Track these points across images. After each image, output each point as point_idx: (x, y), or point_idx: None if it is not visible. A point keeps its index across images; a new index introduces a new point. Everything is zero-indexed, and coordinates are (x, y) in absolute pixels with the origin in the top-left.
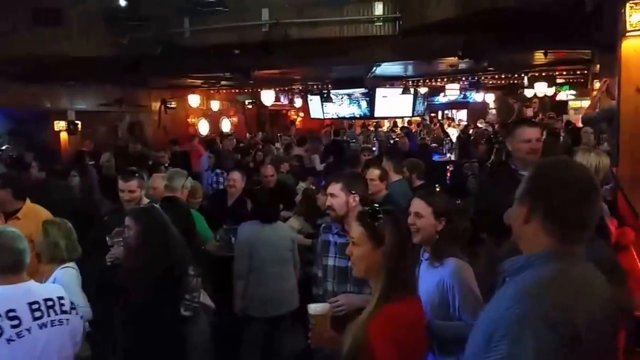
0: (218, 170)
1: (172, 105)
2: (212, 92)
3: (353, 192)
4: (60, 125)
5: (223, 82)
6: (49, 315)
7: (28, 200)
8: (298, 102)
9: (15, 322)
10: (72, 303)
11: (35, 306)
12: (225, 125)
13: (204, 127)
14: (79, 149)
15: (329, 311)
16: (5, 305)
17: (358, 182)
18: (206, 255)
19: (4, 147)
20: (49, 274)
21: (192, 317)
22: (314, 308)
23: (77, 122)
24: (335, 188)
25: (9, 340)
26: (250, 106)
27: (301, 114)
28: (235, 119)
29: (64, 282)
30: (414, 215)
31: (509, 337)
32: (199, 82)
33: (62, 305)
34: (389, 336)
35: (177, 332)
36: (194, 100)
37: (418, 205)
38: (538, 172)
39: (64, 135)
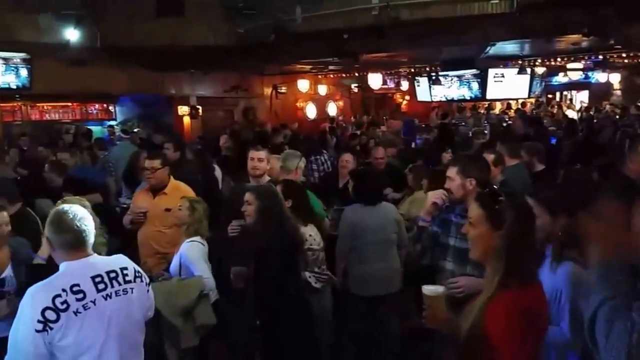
0: (312, 158)
1: (283, 91)
2: (319, 76)
3: (469, 176)
4: (183, 110)
5: (331, 67)
6: (112, 287)
7: (172, 178)
8: (405, 85)
9: (80, 295)
10: (137, 271)
11: (98, 279)
12: (332, 109)
13: (311, 111)
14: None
15: (444, 293)
16: (69, 281)
17: (474, 166)
18: None
19: (135, 130)
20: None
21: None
22: (428, 289)
23: (198, 107)
24: (452, 171)
25: (76, 313)
26: (356, 90)
27: (407, 97)
28: (341, 103)
29: (189, 255)
30: None
31: None
32: (307, 67)
33: (125, 275)
34: (506, 324)
35: (302, 305)
36: (303, 85)
37: None
38: None
39: (186, 119)
